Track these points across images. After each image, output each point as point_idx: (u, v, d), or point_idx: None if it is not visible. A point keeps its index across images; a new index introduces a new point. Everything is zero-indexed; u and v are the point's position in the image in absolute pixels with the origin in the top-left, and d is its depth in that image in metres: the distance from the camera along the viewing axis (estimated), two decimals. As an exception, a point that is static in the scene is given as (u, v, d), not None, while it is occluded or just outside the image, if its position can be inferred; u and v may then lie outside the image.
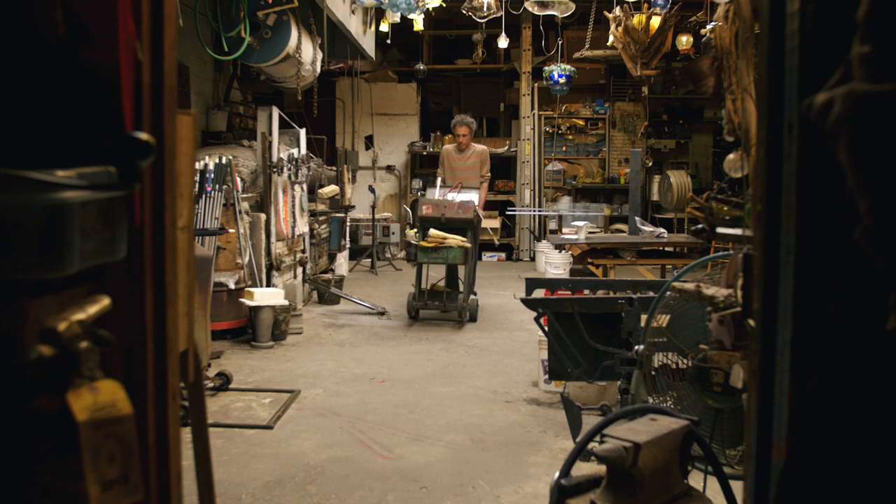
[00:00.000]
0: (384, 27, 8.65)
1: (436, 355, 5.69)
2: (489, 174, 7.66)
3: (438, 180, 7.32)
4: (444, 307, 6.70)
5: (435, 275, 7.31)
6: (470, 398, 4.62)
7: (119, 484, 1.00)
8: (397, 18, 7.94)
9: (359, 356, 5.60)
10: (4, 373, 0.97)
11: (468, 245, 6.54)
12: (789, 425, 1.13)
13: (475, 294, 7.27)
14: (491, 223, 11.26)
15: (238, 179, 6.25)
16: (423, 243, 6.47)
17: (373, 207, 10.20)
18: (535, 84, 11.07)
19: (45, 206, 0.96)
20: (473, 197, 7.11)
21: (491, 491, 3.31)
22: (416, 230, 6.87)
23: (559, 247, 8.63)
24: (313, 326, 6.52)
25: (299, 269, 7.42)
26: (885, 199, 0.80)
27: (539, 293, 4.30)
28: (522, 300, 4.09)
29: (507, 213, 11.05)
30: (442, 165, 7.59)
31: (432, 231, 6.50)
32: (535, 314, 4.04)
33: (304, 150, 7.53)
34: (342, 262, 9.18)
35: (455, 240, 6.49)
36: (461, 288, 7.24)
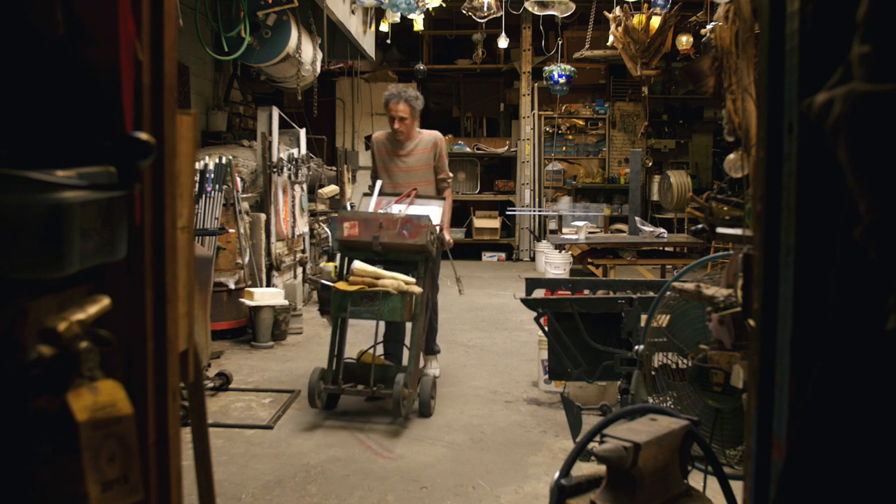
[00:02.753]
0: (384, 27, 8.65)
1: (436, 355, 5.69)
2: (450, 175, 5.02)
3: (377, 184, 4.79)
4: (372, 393, 4.06)
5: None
6: (470, 398, 4.62)
7: (119, 484, 1.00)
8: (397, 18, 7.94)
9: (359, 356, 5.60)
10: (4, 373, 0.97)
11: (417, 290, 4.05)
12: (789, 425, 1.13)
13: (435, 356, 5.00)
14: (491, 223, 11.26)
15: (238, 179, 6.25)
16: (342, 286, 4.04)
17: (373, 207, 10.19)
18: (535, 84, 11.07)
19: (45, 206, 0.96)
20: (432, 211, 4.57)
21: (491, 491, 3.31)
22: (335, 262, 4.52)
23: (559, 247, 8.64)
24: (313, 326, 6.52)
25: (299, 269, 7.43)
26: (886, 198, 0.80)
27: (539, 293, 4.30)
28: (522, 300, 4.09)
29: (508, 213, 11.05)
30: (374, 164, 5.02)
31: (357, 265, 4.06)
32: (535, 314, 4.04)
33: (304, 150, 7.54)
34: (342, 262, 9.15)
35: (393, 280, 4.02)
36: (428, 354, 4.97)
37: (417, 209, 4.58)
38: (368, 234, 4.15)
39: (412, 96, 4.78)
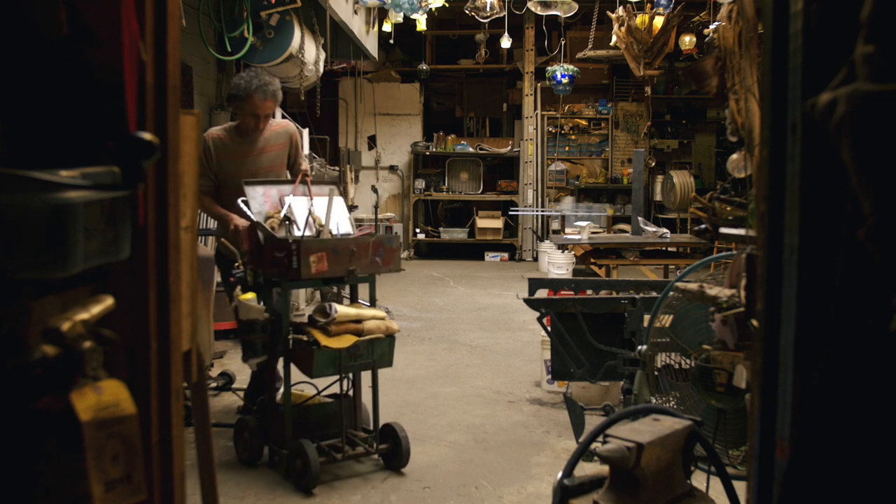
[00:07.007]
0: (387, 27, 8.65)
1: (438, 355, 5.69)
2: (307, 165, 4.10)
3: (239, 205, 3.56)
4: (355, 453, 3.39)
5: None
6: (473, 398, 4.62)
7: (122, 483, 1.00)
8: (400, 18, 7.94)
9: (361, 356, 5.59)
10: (9, 372, 0.97)
11: (395, 327, 3.46)
12: (792, 425, 1.13)
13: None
14: (493, 223, 11.26)
15: (241, 179, 6.25)
16: (324, 339, 3.20)
17: (375, 208, 10.18)
18: (538, 84, 11.06)
19: (49, 206, 0.96)
20: (340, 206, 3.71)
21: (494, 491, 3.31)
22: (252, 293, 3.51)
23: (562, 247, 8.63)
24: (316, 326, 6.51)
25: (302, 269, 7.41)
26: (889, 198, 0.80)
27: (542, 293, 4.29)
28: (525, 300, 4.09)
29: (510, 213, 11.05)
30: (207, 169, 3.81)
31: (340, 309, 3.27)
32: (537, 314, 4.03)
33: (306, 150, 7.54)
34: (345, 262, 9.14)
35: (376, 322, 3.38)
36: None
37: (323, 203, 3.61)
38: (342, 268, 3.30)
39: (279, 88, 3.83)
